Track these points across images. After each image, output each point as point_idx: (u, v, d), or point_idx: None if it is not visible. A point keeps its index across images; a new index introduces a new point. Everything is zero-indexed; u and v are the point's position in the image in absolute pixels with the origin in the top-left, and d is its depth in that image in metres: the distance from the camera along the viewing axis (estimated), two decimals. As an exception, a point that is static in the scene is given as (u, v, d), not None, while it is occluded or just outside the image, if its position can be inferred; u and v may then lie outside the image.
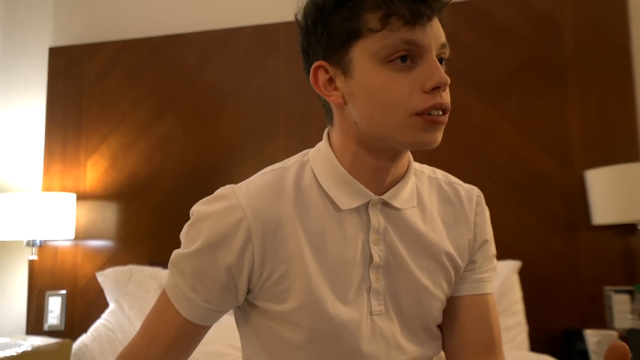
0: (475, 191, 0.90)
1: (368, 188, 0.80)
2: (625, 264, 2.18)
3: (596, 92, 2.31)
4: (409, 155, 0.84)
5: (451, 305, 0.88)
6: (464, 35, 2.47)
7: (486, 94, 2.42)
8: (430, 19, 0.73)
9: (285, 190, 0.80)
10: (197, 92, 2.76)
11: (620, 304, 2.09)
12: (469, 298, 0.87)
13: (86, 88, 2.91)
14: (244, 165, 2.64)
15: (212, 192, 0.81)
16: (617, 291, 2.12)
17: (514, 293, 2.08)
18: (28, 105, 3.04)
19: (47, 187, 2.87)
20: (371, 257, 0.80)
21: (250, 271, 0.78)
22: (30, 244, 2.66)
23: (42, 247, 2.78)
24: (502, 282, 2.08)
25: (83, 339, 2.28)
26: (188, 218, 0.81)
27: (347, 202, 0.79)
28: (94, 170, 2.84)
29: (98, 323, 2.35)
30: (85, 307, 2.73)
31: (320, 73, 0.79)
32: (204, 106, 2.74)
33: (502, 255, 2.08)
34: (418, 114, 0.72)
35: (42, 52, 3.03)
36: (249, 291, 0.81)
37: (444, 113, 0.74)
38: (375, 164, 0.79)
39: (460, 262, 0.86)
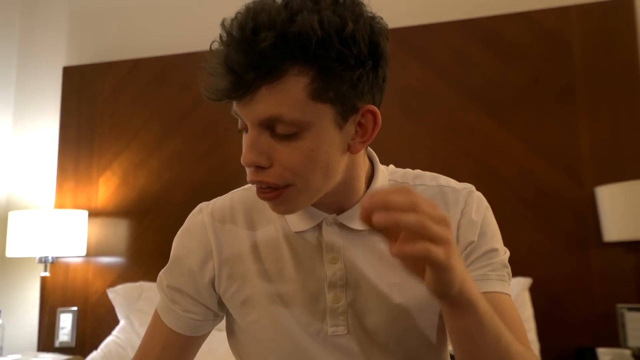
0: (464, 192, 0.83)
1: (322, 209, 0.80)
2: (638, 281, 2.16)
3: (605, 108, 2.30)
4: (360, 178, 0.80)
5: None
6: (472, 53, 2.48)
7: (495, 111, 2.42)
8: (232, 98, 0.69)
9: (247, 209, 0.85)
10: (208, 110, 2.78)
11: (633, 322, 2.07)
12: None
13: (99, 106, 2.96)
14: (254, 182, 2.65)
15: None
16: (630, 309, 2.10)
17: (525, 310, 2.07)
18: (42, 123, 3.09)
19: (59, 204, 2.90)
20: (326, 276, 0.79)
21: (212, 283, 0.83)
22: (43, 260, 2.68)
23: (54, 263, 2.80)
24: (513, 299, 2.06)
25: (94, 355, 2.29)
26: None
27: (298, 224, 0.81)
28: (106, 188, 2.87)
29: (108, 339, 2.36)
30: (96, 324, 2.74)
31: None
32: (214, 124, 2.77)
33: (512, 272, 2.06)
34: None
35: (56, 72, 3.08)
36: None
37: (271, 188, 0.71)
38: None
39: None
